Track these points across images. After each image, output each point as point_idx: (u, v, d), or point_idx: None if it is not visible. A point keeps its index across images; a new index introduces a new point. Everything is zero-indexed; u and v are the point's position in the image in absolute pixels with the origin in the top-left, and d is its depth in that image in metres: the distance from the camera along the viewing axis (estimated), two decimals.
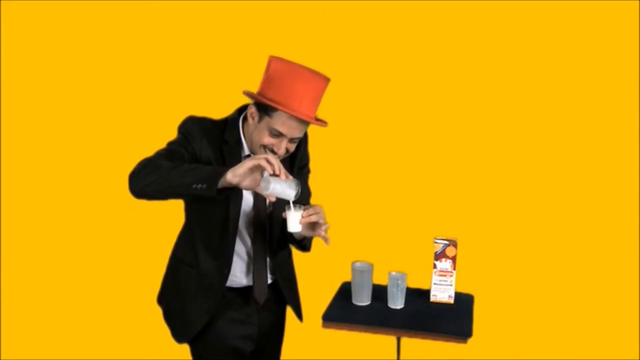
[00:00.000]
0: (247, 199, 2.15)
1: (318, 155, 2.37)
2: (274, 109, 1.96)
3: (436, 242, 2.33)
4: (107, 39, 3.94)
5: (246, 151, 2.12)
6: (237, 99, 2.20)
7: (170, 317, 2.30)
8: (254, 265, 2.22)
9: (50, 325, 3.68)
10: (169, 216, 3.24)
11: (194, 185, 1.84)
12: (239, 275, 2.23)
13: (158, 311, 2.37)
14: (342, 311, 2.28)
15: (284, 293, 2.34)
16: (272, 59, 2.03)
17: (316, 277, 2.82)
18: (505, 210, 3.93)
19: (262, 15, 3.88)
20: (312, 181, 2.38)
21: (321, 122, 2.06)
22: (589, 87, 3.88)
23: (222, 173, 1.83)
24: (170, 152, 2.02)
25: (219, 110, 2.24)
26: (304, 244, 2.22)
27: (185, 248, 2.26)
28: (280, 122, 1.97)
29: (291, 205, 2.00)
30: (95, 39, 3.95)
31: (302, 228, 2.04)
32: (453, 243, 2.33)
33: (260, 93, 2.01)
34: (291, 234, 2.11)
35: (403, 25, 3.91)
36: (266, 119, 1.99)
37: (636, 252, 3.82)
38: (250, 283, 2.24)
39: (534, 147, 3.95)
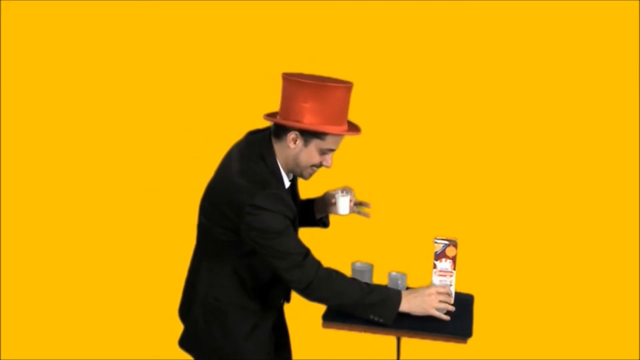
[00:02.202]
0: None
1: None
2: (327, 133, 2.03)
3: (436, 242, 2.33)
4: (108, 40, 3.95)
5: (285, 180, 2.12)
6: (236, 100, 2.19)
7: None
8: None
9: (50, 325, 3.68)
10: (170, 219, 3.25)
11: (372, 317, 2.10)
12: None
13: (157, 311, 2.36)
14: (342, 311, 2.28)
15: None
16: (299, 83, 2.00)
17: None
18: (506, 210, 3.94)
19: (262, 18, 3.89)
20: (313, 181, 2.39)
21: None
22: (588, 87, 3.88)
23: (397, 306, 2.09)
24: (290, 232, 2.05)
25: (222, 112, 2.24)
26: (324, 221, 2.43)
27: (230, 290, 2.19)
28: (332, 141, 2.07)
29: (339, 191, 2.29)
30: (95, 40, 3.95)
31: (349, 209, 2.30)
32: (453, 243, 2.32)
33: (300, 120, 2.01)
34: (314, 216, 2.37)
35: (402, 26, 3.92)
36: (315, 141, 2.05)
37: (636, 252, 3.82)
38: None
39: (533, 147, 3.95)
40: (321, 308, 2.29)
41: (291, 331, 2.51)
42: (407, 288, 2.33)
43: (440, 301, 2.12)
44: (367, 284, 2.14)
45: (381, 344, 2.43)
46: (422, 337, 2.16)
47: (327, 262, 2.88)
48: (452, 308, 2.15)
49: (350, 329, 2.21)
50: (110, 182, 4.04)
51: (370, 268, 2.32)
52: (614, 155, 3.89)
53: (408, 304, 2.09)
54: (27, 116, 4.02)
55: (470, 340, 2.14)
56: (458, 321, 2.21)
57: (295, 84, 2.01)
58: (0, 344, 3.51)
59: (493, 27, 3.89)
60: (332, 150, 2.09)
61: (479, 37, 3.90)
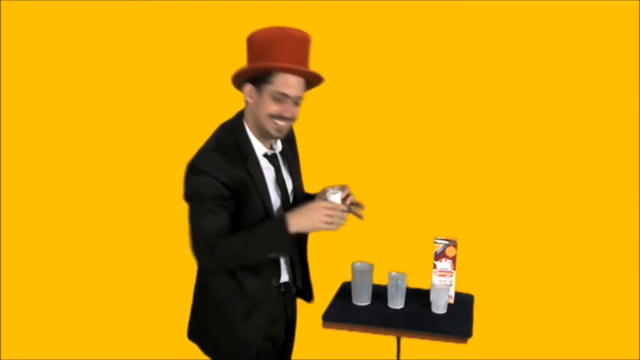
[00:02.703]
0: (275, 202, 2.16)
1: (318, 154, 2.37)
2: (271, 73, 1.97)
3: (436, 242, 2.33)
4: (108, 40, 3.95)
5: (258, 147, 2.10)
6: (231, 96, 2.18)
7: (219, 347, 2.24)
8: (292, 258, 2.26)
9: (50, 325, 3.68)
10: (169, 217, 3.22)
11: (269, 255, 2.03)
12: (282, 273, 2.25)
13: (157, 312, 2.36)
14: (342, 311, 2.28)
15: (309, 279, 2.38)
16: (250, 35, 2.03)
17: (316, 277, 2.82)
18: (506, 210, 3.94)
19: (261, 16, 3.89)
20: (312, 181, 2.38)
21: (317, 75, 2.05)
22: (588, 87, 3.88)
23: (285, 234, 1.97)
24: (215, 208, 1.99)
25: (217, 108, 2.23)
26: None
27: (221, 275, 2.17)
28: (281, 82, 1.97)
29: (330, 189, 2.15)
30: (95, 40, 3.95)
31: None
32: (453, 243, 2.32)
33: (249, 66, 2.01)
34: None
35: (404, 23, 3.91)
36: (266, 87, 1.99)
37: (636, 252, 3.82)
38: (287, 278, 2.26)
39: (533, 147, 3.95)
40: (321, 307, 2.30)
41: None
42: (407, 288, 2.33)
43: (328, 215, 1.99)
44: (250, 229, 2.01)
45: (381, 344, 2.43)
46: (422, 337, 2.16)
47: (327, 262, 2.89)
48: (341, 222, 2.02)
49: (350, 329, 2.21)
50: (111, 179, 4.03)
51: (370, 268, 2.32)
52: (614, 155, 3.89)
53: (296, 225, 1.98)
54: (26, 115, 4.02)
55: (470, 340, 2.14)
56: (458, 321, 2.22)
57: (248, 41, 2.00)
58: (0, 344, 3.51)
59: (496, 26, 3.89)
60: (287, 95, 1.98)
61: (481, 35, 3.90)
